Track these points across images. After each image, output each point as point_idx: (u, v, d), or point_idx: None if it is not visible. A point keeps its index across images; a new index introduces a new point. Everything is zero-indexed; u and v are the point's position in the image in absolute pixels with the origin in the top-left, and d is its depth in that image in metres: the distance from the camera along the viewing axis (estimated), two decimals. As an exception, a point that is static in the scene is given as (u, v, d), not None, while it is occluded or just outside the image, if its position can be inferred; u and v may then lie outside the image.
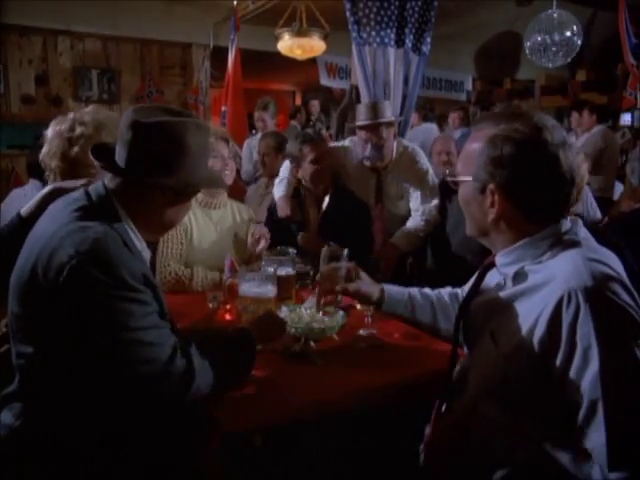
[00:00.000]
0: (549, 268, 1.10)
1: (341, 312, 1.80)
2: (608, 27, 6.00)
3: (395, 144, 2.98)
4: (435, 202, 2.97)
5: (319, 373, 1.53)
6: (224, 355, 1.37)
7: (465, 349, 1.33)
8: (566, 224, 1.15)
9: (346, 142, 3.14)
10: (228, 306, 1.95)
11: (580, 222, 1.18)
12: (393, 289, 1.56)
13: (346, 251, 1.59)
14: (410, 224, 2.97)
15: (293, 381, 1.48)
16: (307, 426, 1.37)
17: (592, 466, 0.99)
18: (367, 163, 2.95)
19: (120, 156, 1.32)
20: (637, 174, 2.32)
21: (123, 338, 1.18)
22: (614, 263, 1.10)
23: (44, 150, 1.82)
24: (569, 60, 5.14)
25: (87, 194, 1.32)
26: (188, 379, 1.24)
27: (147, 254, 1.39)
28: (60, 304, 1.18)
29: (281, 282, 1.93)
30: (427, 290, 1.59)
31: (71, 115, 1.82)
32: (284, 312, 1.81)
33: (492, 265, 1.25)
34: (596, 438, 0.98)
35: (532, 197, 1.13)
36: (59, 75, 5.90)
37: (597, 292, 1.01)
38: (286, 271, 2.05)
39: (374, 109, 2.89)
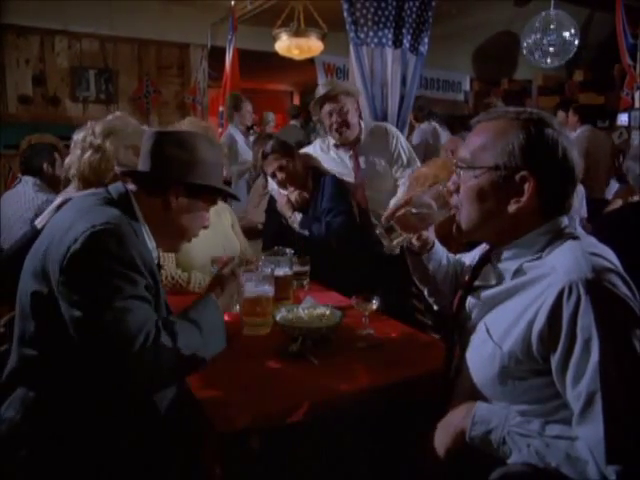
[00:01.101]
0: (549, 262, 1.10)
1: (338, 312, 1.80)
2: (605, 27, 6.01)
3: (362, 122, 2.99)
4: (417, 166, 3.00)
5: (317, 373, 1.53)
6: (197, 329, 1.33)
7: (458, 347, 1.33)
8: (565, 220, 1.15)
9: (311, 144, 3.19)
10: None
11: (577, 219, 1.18)
12: (438, 244, 1.54)
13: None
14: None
15: (291, 381, 1.48)
16: (305, 426, 1.37)
17: (587, 463, 1.00)
18: (336, 138, 2.92)
19: (143, 164, 1.43)
20: (632, 174, 2.32)
21: (103, 313, 1.18)
22: (612, 257, 1.10)
23: (67, 159, 1.88)
24: (566, 60, 5.15)
25: (107, 191, 1.40)
26: (160, 362, 1.21)
27: (155, 254, 1.44)
28: (69, 272, 1.21)
29: (279, 282, 1.93)
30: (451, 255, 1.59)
31: (89, 124, 1.86)
32: (282, 312, 1.81)
33: (488, 261, 1.24)
34: (594, 431, 0.98)
35: (559, 186, 1.13)
36: (56, 75, 5.88)
37: (598, 284, 1.01)
38: (284, 271, 2.05)
39: (331, 83, 2.99)
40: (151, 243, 1.41)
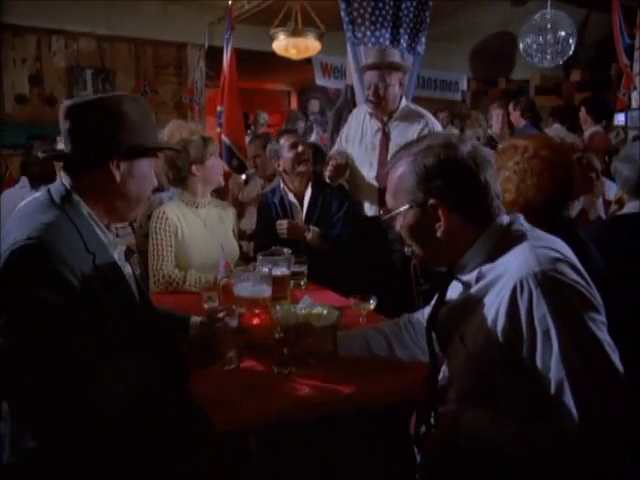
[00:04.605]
0: (502, 264, 1.14)
1: (336, 312, 1.80)
2: (602, 27, 6.02)
3: (402, 99, 2.91)
4: None
5: (314, 373, 1.53)
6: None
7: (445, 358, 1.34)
8: (505, 219, 1.19)
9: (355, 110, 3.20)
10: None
11: (520, 216, 1.22)
12: (344, 332, 1.57)
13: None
14: None
15: (288, 382, 1.48)
16: (301, 427, 1.37)
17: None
18: (369, 108, 2.90)
19: (67, 147, 1.36)
20: (618, 175, 2.08)
21: (26, 339, 1.15)
22: (561, 247, 1.14)
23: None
24: (563, 60, 5.15)
25: (49, 191, 1.35)
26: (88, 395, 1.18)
27: (130, 238, 1.40)
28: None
29: (276, 282, 1.93)
30: (379, 325, 1.60)
31: None
32: (278, 312, 1.81)
33: (452, 277, 1.27)
34: (568, 418, 0.98)
35: (466, 198, 1.18)
36: (53, 75, 5.87)
37: (546, 275, 1.05)
38: (281, 271, 2.05)
39: (383, 53, 2.88)
40: (106, 237, 1.37)
